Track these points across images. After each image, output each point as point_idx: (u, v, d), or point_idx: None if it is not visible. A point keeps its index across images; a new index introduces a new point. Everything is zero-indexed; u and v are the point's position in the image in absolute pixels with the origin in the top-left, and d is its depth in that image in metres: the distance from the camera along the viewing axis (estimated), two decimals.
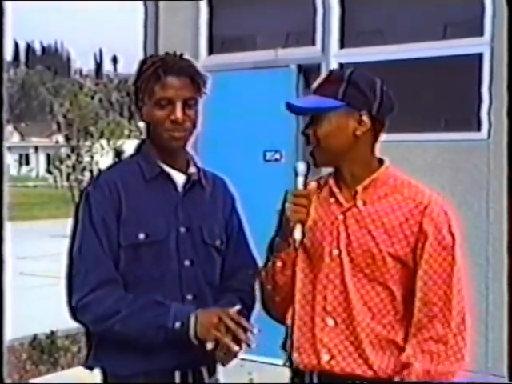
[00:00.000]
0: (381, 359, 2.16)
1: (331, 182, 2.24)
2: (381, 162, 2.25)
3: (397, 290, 2.17)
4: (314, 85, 2.23)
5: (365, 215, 2.17)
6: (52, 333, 6.57)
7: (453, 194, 4.53)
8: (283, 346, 2.33)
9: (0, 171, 3.32)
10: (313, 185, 2.19)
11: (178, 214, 2.35)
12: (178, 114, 2.28)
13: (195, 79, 2.32)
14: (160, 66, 2.29)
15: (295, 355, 2.24)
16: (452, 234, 2.17)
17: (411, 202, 2.17)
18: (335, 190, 2.23)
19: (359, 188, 2.19)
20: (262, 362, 5.02)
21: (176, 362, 2.30)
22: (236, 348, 2.16)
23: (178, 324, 2.18)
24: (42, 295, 8.33)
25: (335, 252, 2.18)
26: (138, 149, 2.44)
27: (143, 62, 2.36)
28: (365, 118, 2.18)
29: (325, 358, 2.18)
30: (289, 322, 2.28)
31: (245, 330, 2.16)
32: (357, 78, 2.21)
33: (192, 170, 2.40)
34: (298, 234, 2.14)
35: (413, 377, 2.11)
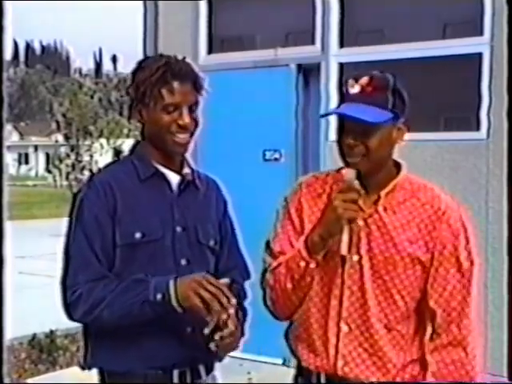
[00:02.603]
0: (395, 367, 2.17)
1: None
2: (397, 165, 2.23)
3: (414, 298, 2.17)
4: (355, 89, 2.12)
5: (386, 221, 2.16)
6: (51, 332, 6.57)
7: (452, 193, 4.51)
8: (286, 338, 2.32)
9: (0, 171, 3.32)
10: (357, 183, 2.10)
11: (174, 214, 2.35)
12: (186, 119, 2.30)
13: (197, 83, 2.34)
14: (166, 71, 2.29)
15: (309, 355, 2.23)
16: (467, 239, 2.19)
17: (429, 207, 2.18)
18: None
19: (382, 194, 2.17)
20: (261, 362, 5.03)
21: (174, 361, 2.31)
22: (224, 315, 2.14)
23: (159, 296, 2.18)
24: (41, 294, 8.32)
25: (355, 258, 2.16)
26: (133, 150, 2.44)
27: (145, 66, 2.34)
28: (402, 125, 2.16)
29: (339, 363, 2.17)
30: (298, 319, 2.25)
31: (226, 296, 2.15)
32: (399, 86, 2.15)
33: (186, 170, 2.41)
34: (346, 236, 2.08)
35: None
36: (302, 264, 2.13)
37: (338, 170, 2.24)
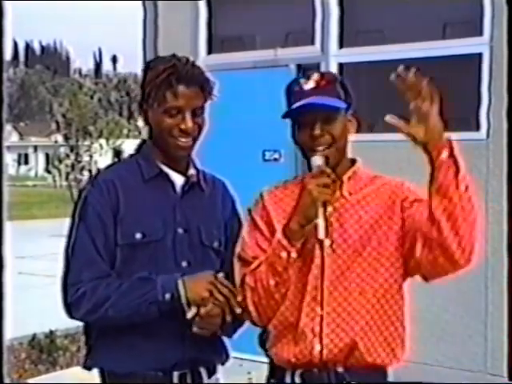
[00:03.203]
0: (374, 347, 2.20)
1: None
2: (351, 159, 2.33)
3: (396, 268, 2.22)
4: (309, 85, 2.23)
5: (353, 203, 2.26)
6: (51, 332, 6.58)
7: None
8: (260, 341, 2.33)
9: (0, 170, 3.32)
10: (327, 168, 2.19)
11: (176, 215, 2.35)
12: (189, 123, 2.30)
13: (204, 87, 2.33)
14: (172, 74, 2.28)
15: (286, 349, 2.23)
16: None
17: (388, 187, 2.29)
18: None
19: (344, 178, 2.27)
20: (261, 362, 5.03)
21: (174, 362, 2.31)
22: (236, 310, 2.20)
23: (168, 296, 2.20)
24: (41, 294, 8.33)
25: (327, 242, 2.21)
26: (138, 149, 2.44)
27: (153, 66, 2.34)
28: (352, 118, 2.30)
29: (317, 347, 2.19)
30: (276, 318, 2.25)
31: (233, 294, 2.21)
32: (343, 80, 2.30)
33: (191, 171, 2.41)
34: (321, 220, 2.13)
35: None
36: (284, 254, 2.16)
37: (294, 179, 2.37)
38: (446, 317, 4.93)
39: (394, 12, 5.41)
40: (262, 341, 2.33)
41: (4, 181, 3.44)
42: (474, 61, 4.90)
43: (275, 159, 5.63)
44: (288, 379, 2.24)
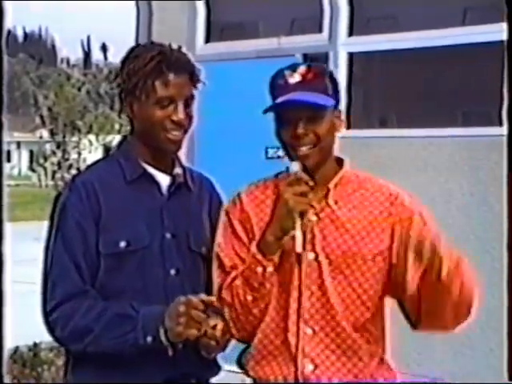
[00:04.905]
0: (366, 366, 2.21)
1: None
2: (338, 160, 2.31)
3: (377, 291, 2.23)
4: (295, 78, 2.23)
5: (339, 214, 2.24)
6: (35, 345, 6.57)
7: (472, 194, 4.54)
8: (239, 362, 2.32)
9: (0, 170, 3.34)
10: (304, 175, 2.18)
11: (163, 219, 2.34)
12: (181, 114, 2.30)
13: (193, 75, 2.34)
14: (162, 61, 2.27)
15: (271, 369, 2.23)
16: (425, 221, 2.23)
17: (380, 195, 2.27)
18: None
19: (331, 185, 2.25)
20: None
21: (163, 377, 2.30)
22: (212, 342, 2.18)
23: (149, 339, 2.18)
24: (25, 303, 8.33)
25: (311, 256, 2.20)
26: (118, 147, 2.43)
27: (138, 54, 2.33)
28: (340, 114, 2.29)
29: (309, 367, 2.19)
30: (259, 341, 2.25)
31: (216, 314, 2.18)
32: (333, 73, 2.30)
33: (177, 170, 2.40)
34: (299, 232, 2.12)
35: None
36: (260, 269, 2.15)
37: (276, 176, 2.33)
38: (464, 329, 4.92)
39: None
40: (241, 360, 2.32)
41: (4, 180, 3.45)
42: (496, 49, 4.89)
43: (279, 157, 5.61)
44: None
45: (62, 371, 5.94)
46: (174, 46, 2.36)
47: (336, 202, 2.24)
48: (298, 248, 2.13)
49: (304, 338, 2.20)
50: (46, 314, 2.27)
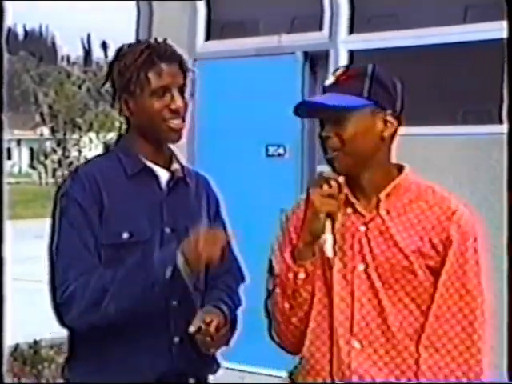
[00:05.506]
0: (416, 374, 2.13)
1: (345, 190, 2.15)
2: (399, 167, 2.23)
3: (425, 311, 2.14)
4: (329, 81, 2.17)
5: (390, 225, 2.14)
6: (35, 342, 6.58)
7: (472, 192, 4.53)
8: (291, 376, 2.27)
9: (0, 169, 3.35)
10: (341, 178, 2.12)
11: (163, 214, 2.35)
12: (179, 102, 2.32)
13: (183, 65, 2.37)
14: (152, 53, 2.30)
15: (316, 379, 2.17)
16: (475, 250, 2.17)
17: (438, 209, 2.16)
18: (353, 199, 2.17)
19: (382, 195, 2.16)
20: (262, 374, 5.04)
21: (159, 374, 2.30)
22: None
23: (168, 273, 2.19)
24: (25, 301, 8.34)
25: (360, 267, 2.13)
26: (116, 143, 2.45)
27: (126, 51, 2.35)
28: (390, 118, 2.16)
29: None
30: (307, 349, 2.19)
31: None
32: (379, 73, 2.16)
33: (175, 166, 2.41)
34: (329, 235, 2.06)
35: None
36: (291, 275, 2.12)
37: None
38: None
39: None
40: (292, 372, 2.27)
41: (4, 178, 3.46)
42: (497, 47, 4.88)
43: (279, 154, 5.62)
44: None
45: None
46: (159, 39, 2.39)
47: (388, 213, 2.15)
48: (329, 252, 2.08)
49: (351, 352, 2.12)
50: (58, 298, 2.24)
